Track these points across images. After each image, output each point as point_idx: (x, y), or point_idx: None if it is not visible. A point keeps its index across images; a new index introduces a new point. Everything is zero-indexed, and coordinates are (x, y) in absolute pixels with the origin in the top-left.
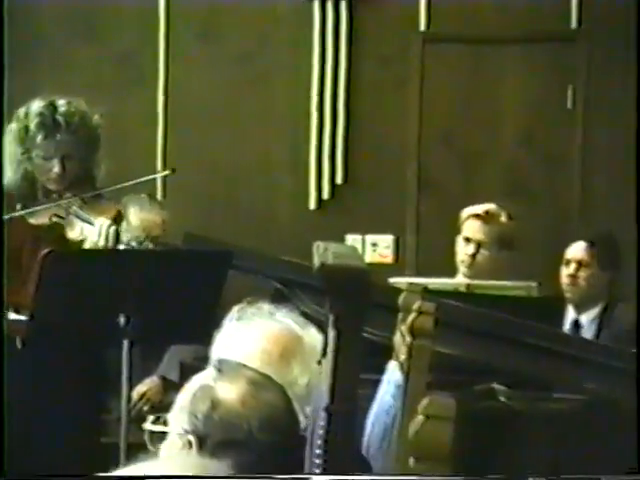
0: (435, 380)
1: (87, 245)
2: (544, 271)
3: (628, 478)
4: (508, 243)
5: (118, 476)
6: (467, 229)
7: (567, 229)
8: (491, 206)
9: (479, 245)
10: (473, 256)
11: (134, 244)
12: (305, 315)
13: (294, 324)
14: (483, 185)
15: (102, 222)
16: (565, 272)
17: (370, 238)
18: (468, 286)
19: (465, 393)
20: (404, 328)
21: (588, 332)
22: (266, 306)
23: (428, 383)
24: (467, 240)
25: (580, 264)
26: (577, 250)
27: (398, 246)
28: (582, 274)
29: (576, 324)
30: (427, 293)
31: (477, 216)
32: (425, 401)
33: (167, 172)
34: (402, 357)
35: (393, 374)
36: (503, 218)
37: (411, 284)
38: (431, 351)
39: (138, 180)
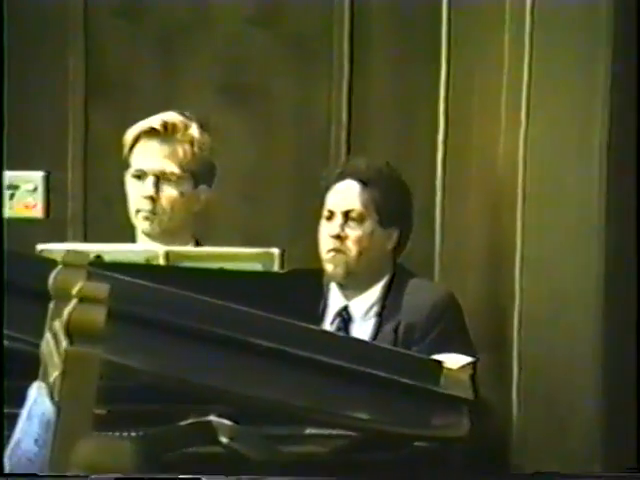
0: (112, 410)
1: None
2: (292, 230)
3: (628, 476)
4: (207, 175)
5: (117, 476)
6: (137, 156)
7: (325, 157)
8: (173, 115)
9: (158, 179)
10: (152, 199)
11: None
12: None
13: None
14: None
15: None
16: (325, 231)
17: (7, 176)
18: (168, 255)
19: (162, 432)
20: (57, 326)
21: (361, 328)
22: None
23: (98, 416)
24: (138, 177)
25: (348, 217)
26: (343, 195)
27: (48, 190)
28: (352, 233)
29: (343, 315)
30: (99, 267)
31: (151, 133)
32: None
33: None
34: (54, 374)
35: (38, 404)
36: (193, 131)
37: (71, 252)
38: (100, 362)
39: None
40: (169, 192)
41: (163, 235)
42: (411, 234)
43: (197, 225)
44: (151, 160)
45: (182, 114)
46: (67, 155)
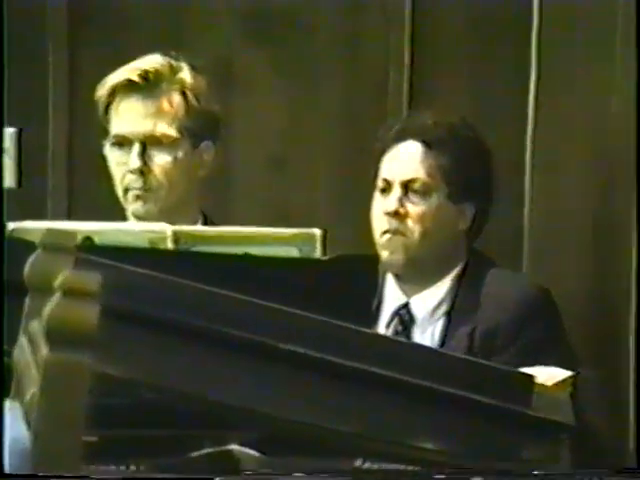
0: (102, 436)
1: None
2: (336, 205)
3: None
4: (207, 128)
5: (118, 476)
6: (115, 119)
7: (380, 110)
8: (155, 58)
9: (145, 145)
10: (141, 172)
11: None
12: None
13: None
14: None
15: None
16: (379, 206)
17: None
18: (176, 237)
19: (169, 465)
20: (35, 327)
21: (426, 332)
22: None
23: (87, 444)
24: (120, 145)
25: (409, 189)
26: (402, 161)
27: (21, 152)
28: (414, 210)
29: (402, 315)
30: (89, 251)
31: (128, 86)
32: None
33: None
34: (30, 390)
35: (9, 429)
36: (184, 74)
37: (52, 232)
38: (90, 374)
39: None
40: (162, 159)
41: (162, 216)
42: (490, 211)
43: (206, 197)
44: (133, 122)
45: (166, 55)
46: (46, 105)
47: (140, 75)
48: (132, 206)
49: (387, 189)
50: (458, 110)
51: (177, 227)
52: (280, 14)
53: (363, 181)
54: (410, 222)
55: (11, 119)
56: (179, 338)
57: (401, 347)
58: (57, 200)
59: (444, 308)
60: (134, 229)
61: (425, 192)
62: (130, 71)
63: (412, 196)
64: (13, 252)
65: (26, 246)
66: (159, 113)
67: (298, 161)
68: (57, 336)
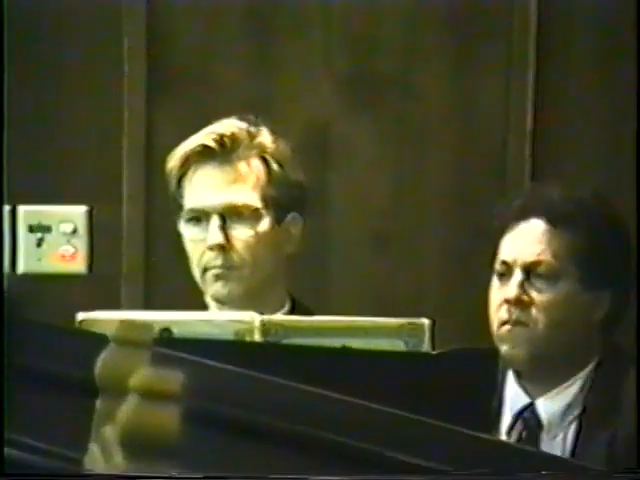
0: None
1: None
2: (447, 291)
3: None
4: (294, 198)
5: (118, 475)
6: (189, 192)
7: (500, 184)
8: (230, 122)
9: (225, 219)
10: (222, 248)
11: None
12: None
13: None
14: None
15: None
16: (498, 293)
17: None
18: (265, 327)
19: None
20: (108, 434)
21: (556, 439)
22: None
23: None
24: (197, 220)
25: (532, 273)
26: (525, 241)
27: (92, 233)
28: (539, 297)
29: (526, 417)
30: (169, 346)
31: (203, 154)
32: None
33: None
34: None
35: None
36: (264, 138)
37: (126, 324)
38: None
39: None
40: (244, 233)
41: (245, 299)
42: (630, 298)
43: (296, 279)
44: (210, 193)
45: (244, 118)
46: (120, 180)
47: (215, 140)
48: (212, 288)
49: (507, 273)
50: (587, 182)
51: (266, 317)
52: (384, 76)
53: (478, 264)
54: (534, 311)
55: (82, 196)
56: (272, 445)
57: (527, 456)
58: (132, 286)
59: (576, 411)
60: (218, 319)
61: (551, 276)
62: (204, 136)
63: (536, 281)
64: (83, 346)
65: (97, 340)
66: (238, 181)
67: (403, 240)
68: (134, 444)
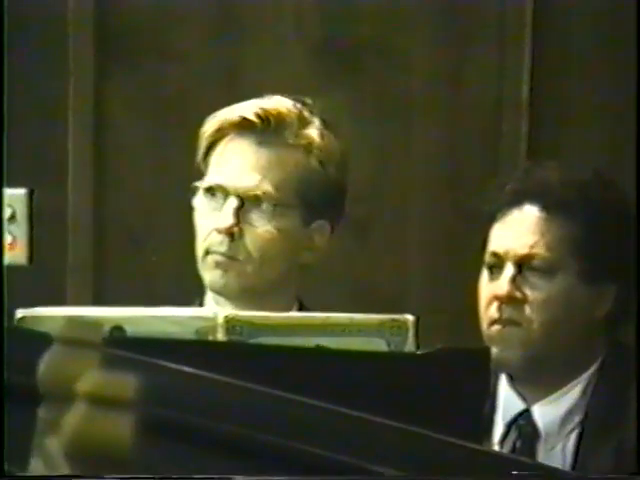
0: None
1: None
2: (432, 286)
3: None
4: (328, 205)
5: (118, 476)
6: (215, 164)
7: (491, 165)
8: (282, 100)
9: (243, 202)
10: (231, 235)
11: None
12: None
13: None
14: None
15: None
16: (488, 288)
17: None
18: (229, 324)
19: None
20: (52, 446)
21: (555, 449)
22: None
23: None
24: (213, 194)
25: (526, 266)
26: (518, 230)
27: (31, 218)
28: (533, 294)
29: (522, 425)
30: (120, 346)
31: (242, 125)
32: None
33: None
34: None
35: None
36: (313, 130)
37: (73, 322)
38: None
39: None
40: (260, 225)
41: (244, 296)
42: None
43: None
44: (236, 171)
45: (296, 100)
46: (66, 162)
47: (257, 115)
48: (209, 274)
49: (497, 266)
50: (589, 162)
51: (231, 313)
52: (363, 41)
53: (467, 254)
54: (527, 310)
55: (20, 178)
56: (237, 457)
57: (525, 469)
58: (79, 279)
59: (577, 418)
60: (176, 315)
61: (547, 271)
62: (246, 108)
63: (530, 276)
64: (22, 347)
65: (39, 339)
66: (270, 166)
67: (384, 227)
68: (81, 456)
